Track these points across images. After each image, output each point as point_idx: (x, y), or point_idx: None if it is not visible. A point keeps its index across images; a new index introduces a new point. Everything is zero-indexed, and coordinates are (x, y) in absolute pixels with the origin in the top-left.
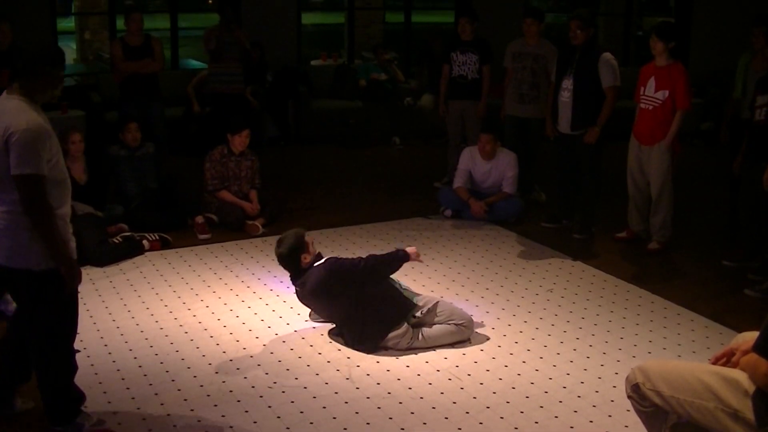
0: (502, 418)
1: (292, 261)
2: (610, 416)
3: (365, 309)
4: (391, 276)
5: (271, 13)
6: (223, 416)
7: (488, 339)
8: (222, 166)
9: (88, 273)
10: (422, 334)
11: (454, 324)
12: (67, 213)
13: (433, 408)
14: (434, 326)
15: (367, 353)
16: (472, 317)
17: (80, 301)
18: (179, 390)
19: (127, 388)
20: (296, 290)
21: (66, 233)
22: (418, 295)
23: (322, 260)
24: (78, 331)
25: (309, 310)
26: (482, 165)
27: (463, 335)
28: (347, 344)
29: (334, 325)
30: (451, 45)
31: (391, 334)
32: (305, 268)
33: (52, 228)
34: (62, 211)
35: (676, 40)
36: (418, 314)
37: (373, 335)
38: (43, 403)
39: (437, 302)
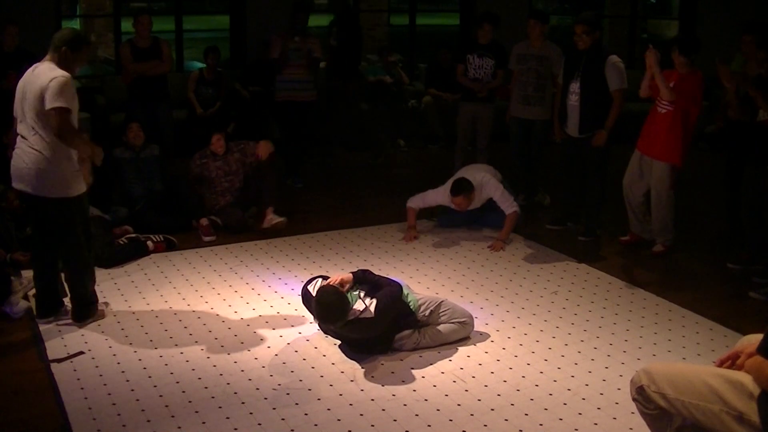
0: (506, 420)
1: (344, 319)
2: (614, 419)
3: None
4: (397, 281)
5: (277, 14)
6: (227, 418)
7: (492, 341)
8: (201, 168)
9: None
10: (427, 335)
11: (457, 322)
12: None
13: (438, 410)
14: (438, 326)
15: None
16: (476, 318)
17: None
18: (184, 392)
19: (132, 390)
20: (325, 328)
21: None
22: (418, 295)
23: (364, 314)
24: (82, 332)
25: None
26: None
27: (466, 332)
28: (358, 352)
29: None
30: (467, 47)
31: (397, 336)
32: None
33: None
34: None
35: (697, 53)
36: (420, 316)
37: (384, 344)
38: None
39: (440, 302)
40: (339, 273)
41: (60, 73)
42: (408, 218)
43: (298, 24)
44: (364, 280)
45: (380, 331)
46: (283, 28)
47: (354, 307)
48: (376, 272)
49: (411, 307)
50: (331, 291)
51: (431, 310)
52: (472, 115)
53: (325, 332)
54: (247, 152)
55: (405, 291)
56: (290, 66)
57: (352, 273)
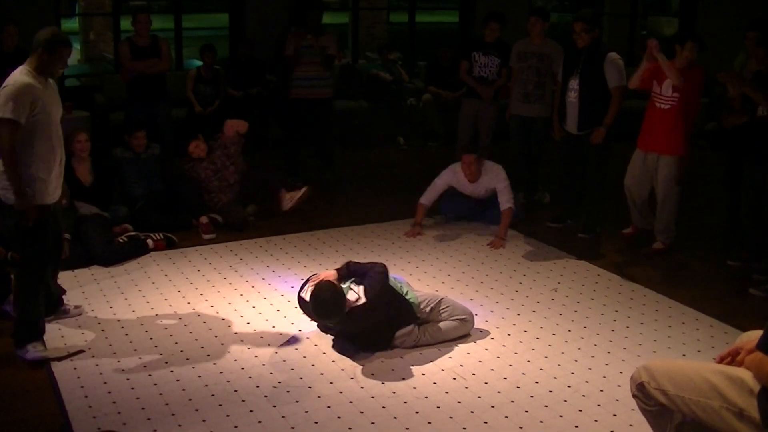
0: (506, 417)
1: (341, 314)
2: (614, 415)
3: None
4: (396, 278)
5: (275, 13)
6: (227, 416)
7: (493, 338)
8: (190, 171)
9: (93, 273)
10: (427, 332)
11: (458, 319)
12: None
13: (438, 407)
14: (439, 323)
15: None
16: (476, 315)
17: (85, 302)
18: (184, 390)
19: (132, 388)
20: (323, 328)
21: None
22: (418, 292)
23: (358, 302)
24: (82, 331)
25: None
26: (467, 185)
27: (466, 329)
28: (359, 350)
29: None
30: (473, 44)
31: (398, 333)
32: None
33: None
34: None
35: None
36: (420, 313)
37: (385, 341)
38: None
39: (441, 299)
40: (322, 272)
41: (12, 81)
42: (416, 214)
43: (311, 22)
44: (350, 273)
45: (379, 317)
46: (282, 27)
47: (348, 298)
48: None
49: (409, 300)
50: (326, 287)
51: (432, 307)
52: (475, 113)
53: (325, 331)
54: (227, 144)
55: (405, 288)
56: (303, 63)
57: (336, 270)
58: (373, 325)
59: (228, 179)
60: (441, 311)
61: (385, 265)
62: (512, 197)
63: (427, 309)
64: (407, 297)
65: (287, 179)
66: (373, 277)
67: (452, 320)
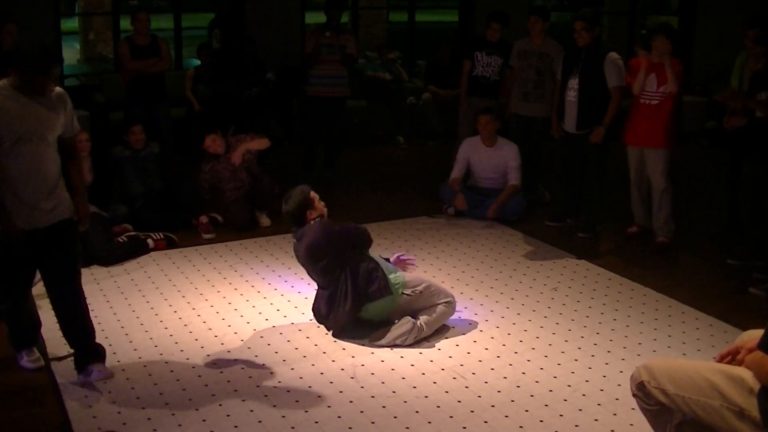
0: (506, 416)
1: (299, 217)
2: (615, 415)
3: (347, 279)
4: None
5: (275, 12)
6: (228, 416)
7: (493, 337)
8: (210, 174)
9: (93, 273)
10: (425, 325)
11: (444, 302)
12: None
13: (438, 407)
14: (432, 312)
15: (341, 330)
16: (476, 314)
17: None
18: (184, 389)
19: (132, 388)
20: (294, 243)
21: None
22: (404, 273)
23: (320, 219)
24: None
25: (311, 309)
26: (483, 153)
27: (453, 310)
28: (324, 319)
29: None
30: (475, 44)
31: (399, 332)
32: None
33: None
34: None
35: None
36: (408, 292)
37: (351, 310)
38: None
39: (428, 284)
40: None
41: None
42: (454, 188)
43: (332, 20)
44: None
45: (333, 251)
46: (279, 25)
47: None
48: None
49: (393, 276)
50: (303, 187)
51: (420, 291)
52: (475, 111)
53: (321, 324)
54: (243, 148)
55: (391, 268)
56: (322, 62)
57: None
58: (326, 270)
59: (243, 180)
60: (430, 295)
61: (366, 229)
62: (521, 180)
63: (417, 290)
64: (391, 272)
65: (303, 174)
66: (348, 226)
67: (441, 304)
